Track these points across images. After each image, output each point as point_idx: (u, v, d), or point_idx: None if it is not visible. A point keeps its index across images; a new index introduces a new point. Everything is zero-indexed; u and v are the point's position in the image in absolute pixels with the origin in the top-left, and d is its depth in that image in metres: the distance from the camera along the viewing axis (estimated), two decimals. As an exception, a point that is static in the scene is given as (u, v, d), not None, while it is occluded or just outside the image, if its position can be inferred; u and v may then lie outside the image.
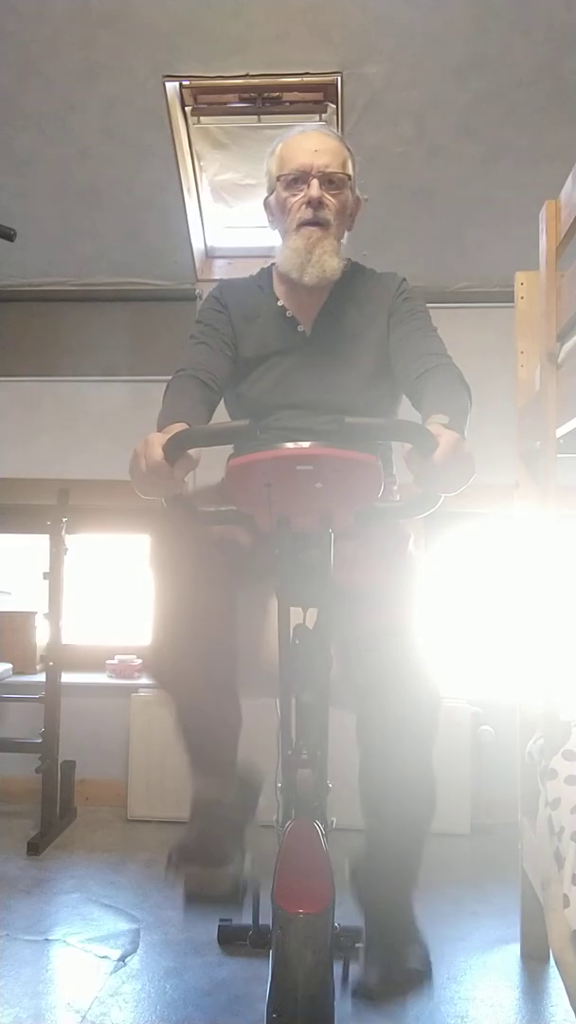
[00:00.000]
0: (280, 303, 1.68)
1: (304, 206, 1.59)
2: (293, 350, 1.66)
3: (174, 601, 1.40)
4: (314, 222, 1.59)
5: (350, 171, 1.63)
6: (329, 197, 1.59)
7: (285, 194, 1.61)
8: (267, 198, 1.68)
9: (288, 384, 1.64)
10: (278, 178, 1.62)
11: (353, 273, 1.70)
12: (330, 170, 1.59)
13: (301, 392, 1.62)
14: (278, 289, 1.70)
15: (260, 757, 1.47)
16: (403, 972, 1.35)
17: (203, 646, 1.38)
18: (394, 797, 1.36)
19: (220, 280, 1.78)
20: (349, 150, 1.64)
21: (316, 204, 1.58)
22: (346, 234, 1.67)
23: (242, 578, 1.45)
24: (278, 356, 1.66)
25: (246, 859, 1.33)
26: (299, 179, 1.59)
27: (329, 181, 1.59)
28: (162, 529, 1.45)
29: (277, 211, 1.65)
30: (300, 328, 1.67)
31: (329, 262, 1.60)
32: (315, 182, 1.58)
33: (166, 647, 1.40)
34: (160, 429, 1.34)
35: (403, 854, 1.39)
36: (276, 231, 1.68)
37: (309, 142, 1.61)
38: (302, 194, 1.59)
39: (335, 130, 1.71)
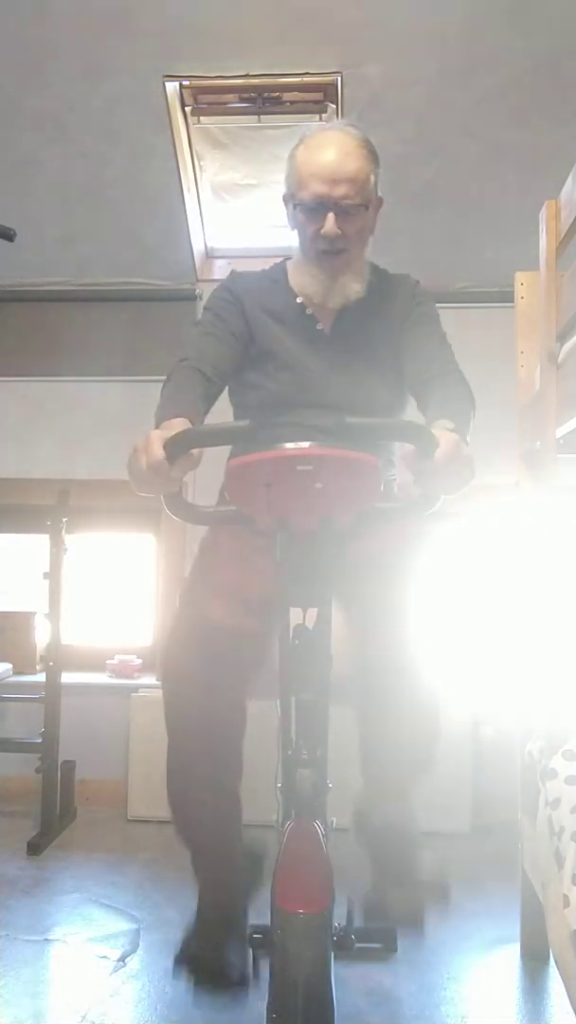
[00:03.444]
0: (299, 300, 1.66)
1: (320, 237, 1.55)
2: (313, 348, 1.64)
3: (185, 742, 1.50)
4: (331, 251, 1.56)
5: (370, 195, 1.57)
6: (346, 227, 1.54)
7: (302, 217, 1.58)
8: (286, 197, 1.63)
9: (309, 383, 1.62)
10: (296, 201, 1.57)
11: (370, 274, 1.67)
12: (348, 202, 1.53)
13: (323, 391, 1.61)
14: (296, 285, 1.68)
15: (260, 757, 1.47)
16: (419, 883, 1.44)
17: (212, 783, 1.50)
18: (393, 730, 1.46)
19: (232, 272, 1.74)
20: (372, 156, 1.57)
21: (332, 237, 1.54)
22: (371, 240, 1.63)
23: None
24: (297, 353, 1.64)
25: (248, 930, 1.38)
26: (316, 209, 1.54)
27: (347, 212, 1.54)
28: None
29: (294, 224, 1.62)
30: (320, 327, 1.66)
31: (352, 287, 1.60)
32: (331, 216, 1.53)
33: (177, 796, 1.54)
34: (159, 422, 1.33)
35: (407, 764, 1.51)
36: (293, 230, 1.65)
37: (329, 161, 1.52)
38: (319, 225, 1.54)
39: (357, 130, 1.59)
